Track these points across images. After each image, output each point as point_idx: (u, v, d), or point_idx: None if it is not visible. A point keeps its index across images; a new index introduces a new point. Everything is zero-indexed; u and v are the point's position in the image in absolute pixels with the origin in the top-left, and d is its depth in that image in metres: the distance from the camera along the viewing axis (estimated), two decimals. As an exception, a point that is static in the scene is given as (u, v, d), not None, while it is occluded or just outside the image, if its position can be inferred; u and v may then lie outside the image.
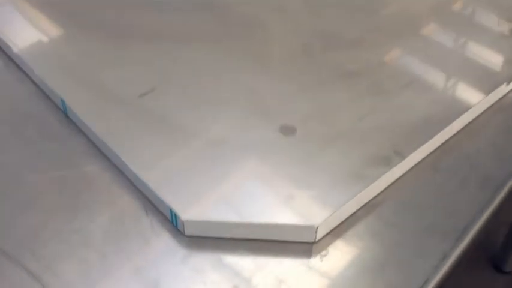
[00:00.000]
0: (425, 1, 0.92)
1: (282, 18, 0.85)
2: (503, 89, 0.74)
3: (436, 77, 0.76)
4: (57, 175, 0.62)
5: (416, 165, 0.65)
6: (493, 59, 0.81)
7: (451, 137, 0.69)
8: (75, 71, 0.74)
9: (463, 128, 0.70)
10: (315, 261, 0.56)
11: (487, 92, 0.72)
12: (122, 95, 0.70)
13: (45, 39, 0.80)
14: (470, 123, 0.71)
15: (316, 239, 0.57)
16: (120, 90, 0.70)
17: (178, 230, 0.57)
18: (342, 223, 0.59)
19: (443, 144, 0.68)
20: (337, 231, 0.59)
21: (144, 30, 0.81)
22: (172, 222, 0.58)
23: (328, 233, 0.58)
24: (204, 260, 0.55)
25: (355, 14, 0.87)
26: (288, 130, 0.66)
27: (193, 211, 0.57)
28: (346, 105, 0.70)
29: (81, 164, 0.64)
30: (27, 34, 0.82)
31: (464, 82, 0.77)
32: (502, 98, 0.75)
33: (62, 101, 0.68)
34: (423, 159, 0.66)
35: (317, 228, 0.56)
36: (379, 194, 0.62)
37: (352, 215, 0.60)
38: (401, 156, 0.63)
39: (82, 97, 0.69)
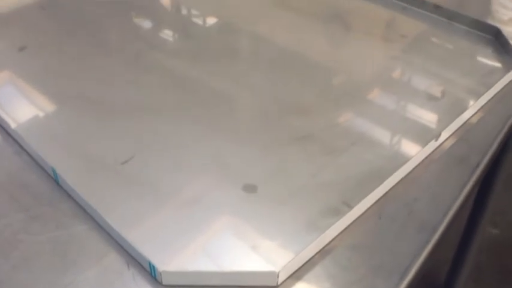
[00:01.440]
0: (369, 70, 0.95)
1: (245, 89, 0.89)
2: (433, 144, 0.77)
3: (378, 135, 0.80)
4: (50, 236, 0.64)
5: (363, 213, 0.68)
6: (427, 118, 0.84)
7: (392, 187, 0.71)
8: (64, 142, 0.76)
9: (402, 179, 0.73)
10: (278, 302, 0.58)
11: (421, 146, 0.75)
12: (106, 162, 0.72)
13: (38, 114, 0.83)
14: (408, 174, 0.73)
15: (279, 283, 0.59)
16: (104, 159, 0.73)
17: (157, 280, 0.59)
18: (301, 267, 0.61)
19: (385, 194, 0.70)
20: (297, 275, 0.61)
21: (125, 104, 0.84)
22: (151, 274, 0.59)
23: (289, 277, 0.60)
24: (180, 305, 0.57)
25: (310, 84, 0.90)
26: (250, 188, 0.69)
27: (169, 263, 0.59)
28: (301, 165, 0.73)
29: (71, 225, 0.65)
30: (23, 110, 0.84)
31: (402, 139, 0.80)
32: (433, 151, 0.77)
33: (53, 170, 0.69)
34: (369, 208, 0.68)
35: (279, 273, 0.58)
36: (332, 240, 0.64)
37: (309, 260, 0.62)
38: (349, 206, 0.66)
39: (71, 166, 0.71)
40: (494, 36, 1.02)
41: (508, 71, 0.92)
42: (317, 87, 0.90)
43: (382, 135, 0.81)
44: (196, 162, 0.73)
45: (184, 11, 1.20)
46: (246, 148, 0.76)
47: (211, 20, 1.14)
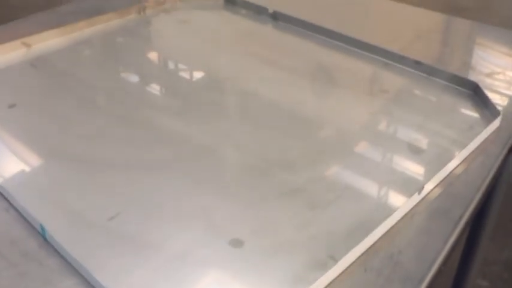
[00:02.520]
0: (353, 123, 0.98)
1: (232, 145, 0.91)
2: (417, 197, 0.79)
3: (363, 188, 0.82)
4: (37, 293, 0.65)
5: (348, 266, 0.69)
6: (411, 170, 0.87)
7: (377, 240, 0.73)
8: (52, 199, 0.78)
9: (387, 232, 0.74)
10: None
11: (405, 199, 0.78)
12: (93, 218, 0.74)
13: (26, 171, 0.85)
14: (392, 227, 0.75)
15: (266, 338, 0.60)
16: (91, 215, 0.74)
17: (144, 337, 0.59)
18: (287, 321, 0.62)
19: (370, 246, 0.72)
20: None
21: (113, 160, 0.86)
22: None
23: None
24: None
25: (295, 138, 0.93)
26: (236, 243, 0.70)
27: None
28: (287, 219, 0.75)
29: (58, 282, 0.66)
30: (11, 167, 0.86)
31: (386, 191, 0.83)
32: (417, 204, 0.80)
33: (41, 226, 0.71)
34: (354, 260, 0.70)
35: (265, 327, 0.59)
36: (319, 293, 0.65)
37: (296, 313, 0.63)
38: (335, 259, 0.67)
39: (59, 222, 0.72)
40: (473, 91, 1.06)
41: (487, 123, 0.95)
42: (303, 141, 0.93)
43: (367, 187, 0.83)
44: (182, 217, 0.75)
45: (171, 66, 1.23)
46: (233, 203, 0.78)
47: (198, 75, 1.17)
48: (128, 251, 0.69)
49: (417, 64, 1.13)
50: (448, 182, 0.85)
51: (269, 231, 0.73)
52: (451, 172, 0.86)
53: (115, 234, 0.72)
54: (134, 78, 1.15)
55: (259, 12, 1.37)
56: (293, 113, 1.01)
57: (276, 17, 1.35)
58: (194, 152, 0.89)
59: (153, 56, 1.26)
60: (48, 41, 1.22)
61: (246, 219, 0.75)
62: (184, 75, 1.20)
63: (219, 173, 0.85)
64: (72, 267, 0.68)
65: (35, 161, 0.88)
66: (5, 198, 0.79)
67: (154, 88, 1.12)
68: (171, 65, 1.23)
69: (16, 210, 0.77)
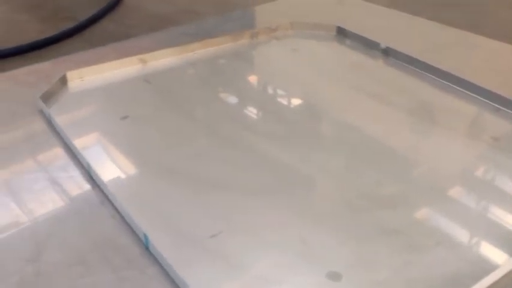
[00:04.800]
0: (451, 162, 0.97)
1: (330, 176, 0.93)
2: (525, 254, 0.77)
3: (463, 237, 0.81)
4: (135, 300, 0.69)
5: (445, 316, 0.69)
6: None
7: (478, 294, 0.72)
8: (157, 210, 0.83)
9: (489, 287, 0.73)
10: None
11: (508, 255, 0.76)
12: (195, 234, 0.78)
13: (134, 181, 0.92)
14: (493, 284, 0.74)
15: None
16: (194, 230, 0.79)
17: None
18: None
19: (467, 301, 0.71)
20: None
21: (217, 180, 0.91)
22: None
23: None
24: None
25: (391, 174, 0.94)
26: (334, 276, 0.72)
27: None
28: (385, 258, 0.76)
29: (156, 290, 0.70)
30: (121, 176, 0.93)
31: (488, 244, 0.81)
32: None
33: (145, 236, 0.76)
34: (451, 312, 0.69)
35: None
36: None
37: None
38: (433, 307, 0.67)
39: (162, 233, 0.77)
40: None
41: None
42: (399, 178, 0.93)
43: (467, 238, 0.82)
44: (281, 244, 0.78)
45: (277, 93, 1.27)
46: (331, 236, 0.80)
47: (303, 104, 1.20)
48: (226, 269, 0.73)
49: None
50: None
51: (367, 268, 0.74)
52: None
53: (215, 251, 0.75)
54: (241, 102, 1.20)
55: (371, 46, 1.39)
56: (390, 147, 1.01)
57: (388, 53, 1.36)
58: (295, 181, 0.92)
59: (260, 81, 1.31)
60: (162, 59, 1.30)
61: (344, 254, 0.77)
62: (290, 103, 1.24)
63: (318, 204, 0.88)
64: (170, 278, 0.72)
65: (142, 172, 0.94)
66: (113, 206, 0.84)
67: (260, 113, 1.17)
68: (277, 92, 1.28)
69: (122, 217, 0.82)
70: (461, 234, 0.81)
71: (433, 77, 1.26)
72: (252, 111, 1.17)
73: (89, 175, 0.91)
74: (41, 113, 1.08)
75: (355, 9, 1.63)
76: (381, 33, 1.41)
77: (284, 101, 1.25)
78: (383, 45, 1.37)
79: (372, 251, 0.77)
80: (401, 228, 0.81)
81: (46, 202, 0.86)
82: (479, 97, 1.17)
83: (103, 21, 3.51)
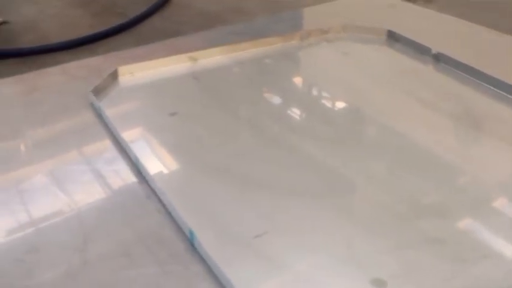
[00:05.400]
0: (498, 172, 0.96)
1: (374, 183, 0.93)
2: None
3: (510, 251, 0.79)
4: (179, 294, 0.70)
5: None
6: None
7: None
8: (203, 208, 0.84)
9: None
10: None
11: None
12: (240, 233, 0.79)
13: (181, 177, 0.93)
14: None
15: None
16: (239, 229, 0.80)
17: None
18: None
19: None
20: None
21: (264, 180, 0.92)
22: None
23: None
24: None
25: (435, 182, 0.92)
26: (379, 283, 0.71)
27: None
28: (430, 268, 0.75)
29: (199, 286, 0.71)
30: (168, 171, 0.95)
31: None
32: None
33: (191, 232, 0.77)
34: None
35: None
36: None
37: None
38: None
39: (207, 230, 0.78)
40: None
41: None
42: (444, 187, 0.92)
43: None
44: (325, 247, 0.78)
45: (325, 95, 1.27)
46: (375, 241, 0.79)
47: (350, 108, 1.20)
48: (269, 270, 0.74)
49: None
50: None
51: (412, 277, 0.73)
52: None
53: (257, 251, 0.76)
54: (288, 103, 1.21)
55: (422, 51, 1.37)
56: (435, 154, 1.00)
57: (439, 59, 1.35)
58: (339, 184, 0.92)
59: (308, 83, 1.31)
60: (212, 57, 1.31)
61: (389, 261, 0.76)
62: (336, 106, 1.24)
63: (362, 209, 0.87)
64: (214, 275, 0.72)
65: (189, 169, 0.96)
66: (159, 200, 0.86)
67: (306, 115, 1.17)
68: (324, 94, 1.27)
69: (168, 212, 0.84)
70: (509, 249, 0.79)
71: (485, 84, 1.23)
72: (298, 113, 1.17)
73: (136, 169, 0.92)
74: (91, 106, 1.11)
75: (406, 13, 1.62)
76: (433, 38, 1.40)
77: (331, 104, 1.25)
78: (434, 51, 1.35)
79: (416, 259, 0.76)
80: (446, 238, 0.80)
81: (93, 193, 0.88)
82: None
83: (153, 18, 3.57)
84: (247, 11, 3.70)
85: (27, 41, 3.35)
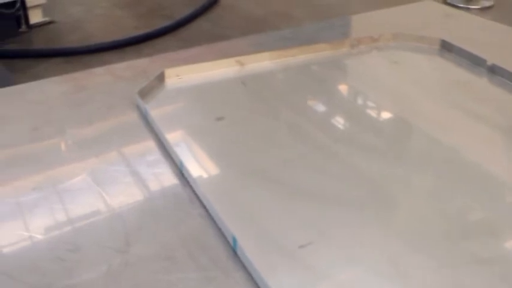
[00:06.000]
0: None
1: (421, 197, 0.92)
2: None
3: None
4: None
5: None
6: None
7: None
8: (247, 214, 0.85)
9: None
10: None
11: None
12: (284, 242, 0.79)
13: (225, 182, 0.94)
14: None
15: None
16: (283, 238, 0.80)
17: None
18: None
19: None
20: None
21: (309, 189, 0.92)
22: None
23: None
24: None
25: (484, 199, 0.91)
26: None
27: None
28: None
29: (240, 294, 0.72)
30: (212, 175, 0.96)
31: None
32: None
33: (234, 239, 0.77)
34: None
35: None
36: None
37: None
38: None
39: (251, 238, 0.78)
40: None
41: None
42: (492, 204, 0.90)
43: None
44: (370, 261, 0.77)
45: (373, 105, 1.26)
46: (422, 259, 0.78)
47: (399, 119, 1.18)
48: (313, 282, 0.73)
49: None
50: None
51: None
52: None
53: (301, 261, 0.76)
54: (335, 111, 1.20)
55: (476, 63, 1.35)
56: (483, 169, 0.98)
57: (494, 71, 1.32)
58: (387, 196, 0.91)
59: (357, 91, 1.30)
60: (260, 62, 1.32)
61: (435, 280, 0.75)
62: (385, 116, 1.23)
63: (410, 224, 0.86)
64: (255, 284, 0.73)
65: (234, 174, 0.96)
66: (202, 205, 0.87)
67: (353, 124, 1.16)
68: (372, 104, 1.26)
69: (211, 218, 0.84)
70: None
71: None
72: (345, 122, 1.17)
73: (180, 172, 0.94)
74: (137, 108, 1.13)
75: (461, 22, 1.59)
76: (488, 48, 1.37)
77: (379, 114, 1.24)
78: (489, 62, 1.33)
79: (463, 280, 0.75)
80: (495, 257, 0.79)
81: (135, 195, 0.90)
82: None
83: (198, 21, 3.61)
84: (294, 16, 3.71)
85: (72, 41, 3.43)
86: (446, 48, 1.43)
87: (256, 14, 3.73)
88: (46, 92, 1.21)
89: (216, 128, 1.08)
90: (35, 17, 3.68)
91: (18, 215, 0.86)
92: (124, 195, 0.89)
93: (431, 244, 0.81)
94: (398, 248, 0.80)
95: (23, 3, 3.52)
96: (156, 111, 1.10)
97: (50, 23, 3.70)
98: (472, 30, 1.52)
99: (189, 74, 1.27)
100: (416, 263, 0.77)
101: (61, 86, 1.23)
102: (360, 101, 1.28)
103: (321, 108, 1.22)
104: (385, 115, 1.23)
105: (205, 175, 0.95)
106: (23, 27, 3.62)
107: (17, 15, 3.53)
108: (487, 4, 4.05)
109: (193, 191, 0.89)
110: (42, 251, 0.79)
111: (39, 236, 0.82)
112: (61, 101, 1.17)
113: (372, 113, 1.23)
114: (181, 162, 0.93)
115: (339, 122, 1.17)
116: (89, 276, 0.75)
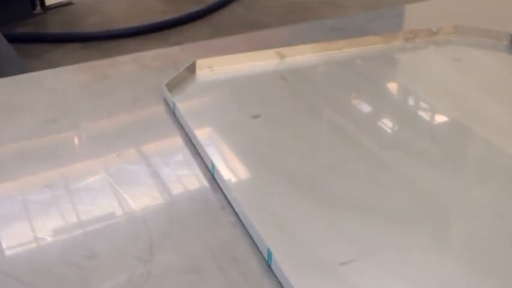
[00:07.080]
0: None
1: (479, 212, 0.91)
2: None
3: None
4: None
5: None
6: None
7: None
8: (283, 224, 0.86)
9: None
10: None
11: None
12: (323, 258, 0.80)
13: (259, 187, 0.95)
14: None
15: None
16: (322, 253, 0.80)
17: None
18: None
19: None
20: None
21: (353, 199, 0.92)
22: None
23: None
24: None
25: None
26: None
27: None
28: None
29: (273, 312, 0.72)
30: (245, 179, 0.97)
31: None
32: None
33: (269, 251, 0.78)
34: None
35: None
36: None
37: None
38: None
39: (286, 250, 0.79)
40: None
41: None
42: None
43: None
44: (420, 284, 0.77)
45: (428, 107, 1.26)
46: (480, 282, 0.78)
47: (458, 123, 1.18)
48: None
49: None
50: None
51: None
52: None
53: (343, 281, 0.76)
54: (386, 113, 1.20)
55: (551, 63, 1.34)
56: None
57: None
58: (441, 210, 0.91)
59: (411, 91, 1.30)
60: (302, 55, 1.33)
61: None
62: (442, 120, 1.22)
63: (465, 243, 0.86)
64: (291, 302, 0.74)
65: (270, 180, 0.97)
66: (234, 212, 0.88)
67: (406, 128, 1.16)
68: (428, 106, 1.26)
69: (243, 227, 0.85)
70: None
71: None
72: (396, 126, 1.17)
73: (211, 174, 0.95)
74: (164, 101, 1.15)
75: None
76: None
77: (435, 118, 1.23)
78: None
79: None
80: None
81: (161, 199, 0.92)
82: None
83: (232, 6, 3.63)
84: (341, 4, 3.71)
85: (91, 24, 3.48)
86: (517, 44, 1.42)
87: (298, 0, 3.73)
88: (63, 80, 1.24)
89: (251, 126, 1.09)
90: (51, -3, 3.74)
91: (29, 215, 0.87)
92: (147, 198, 0.91)
93: (492, 266, 0.81)
94: (454, 269, 0.80)
95: (38, -18, 3.58)
96: (185, 106, 1.11)
97: (67, 4, 3.76)
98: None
99: (223, 65, 1.28)
100: (473, 287, 0.77)
101: (81, 74, 1.25)
102: (413, 102, 1.28)
103: (368, 108, 1.23)
104: (442, 119, 1.22)
105: (237, 179, 0.96)
106: (38, 9, 3.69)
107: (31, -5, 3.60)
108: None
109: (225, 197, 0.90)
110: (54, 255, 0.81)
111: (52, 239, 0.83)
112: (80, 91, 1.20)
113: (427, 117, 1.23)
114: (212, 164, 0.94)
115: (388, 125, 1.17)
116: (108, 286, 0.76)
